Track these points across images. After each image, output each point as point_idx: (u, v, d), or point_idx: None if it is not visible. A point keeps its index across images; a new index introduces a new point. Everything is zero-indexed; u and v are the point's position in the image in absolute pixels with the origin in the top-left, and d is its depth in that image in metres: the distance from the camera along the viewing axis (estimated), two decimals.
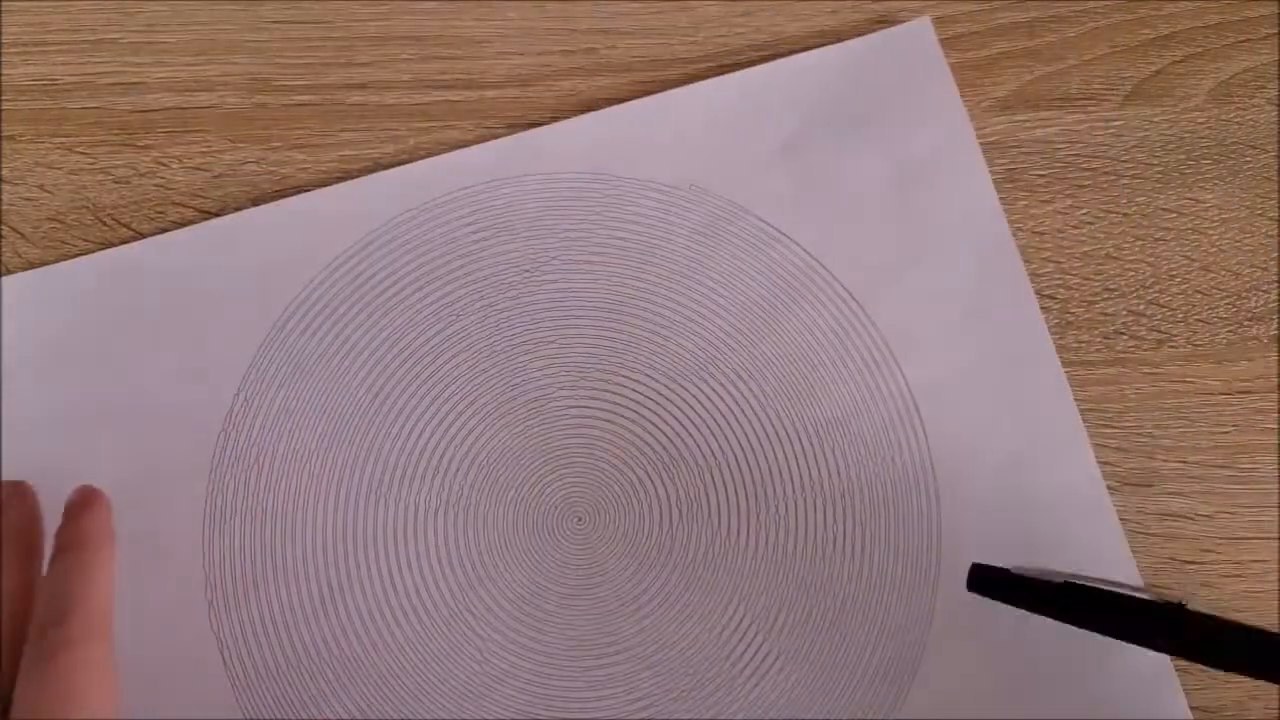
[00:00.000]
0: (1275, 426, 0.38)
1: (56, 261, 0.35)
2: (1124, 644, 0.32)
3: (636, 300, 0.36)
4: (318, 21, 0.38)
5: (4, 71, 0.36)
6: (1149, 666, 0.35)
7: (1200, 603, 0.35)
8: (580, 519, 0.35)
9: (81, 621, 0.28)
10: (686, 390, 0.36)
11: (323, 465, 0.35)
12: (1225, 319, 0.38)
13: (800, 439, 0.36)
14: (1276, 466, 0.37)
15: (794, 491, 0.36)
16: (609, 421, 0.36)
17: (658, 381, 0.36)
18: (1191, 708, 0.36)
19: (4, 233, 0.36)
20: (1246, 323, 0.38)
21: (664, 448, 0.36)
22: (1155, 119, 0.39)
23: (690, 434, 0.36)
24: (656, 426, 0.36)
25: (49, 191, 0.36)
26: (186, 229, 0.36)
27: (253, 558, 0.34)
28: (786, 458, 0.36)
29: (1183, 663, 0.35)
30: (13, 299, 0.35)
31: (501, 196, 0.37)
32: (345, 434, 0.35)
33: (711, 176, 0.37)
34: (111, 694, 0.28)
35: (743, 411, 0.36)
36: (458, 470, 0.35)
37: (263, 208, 0.36)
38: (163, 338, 0.35)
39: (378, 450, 0.35)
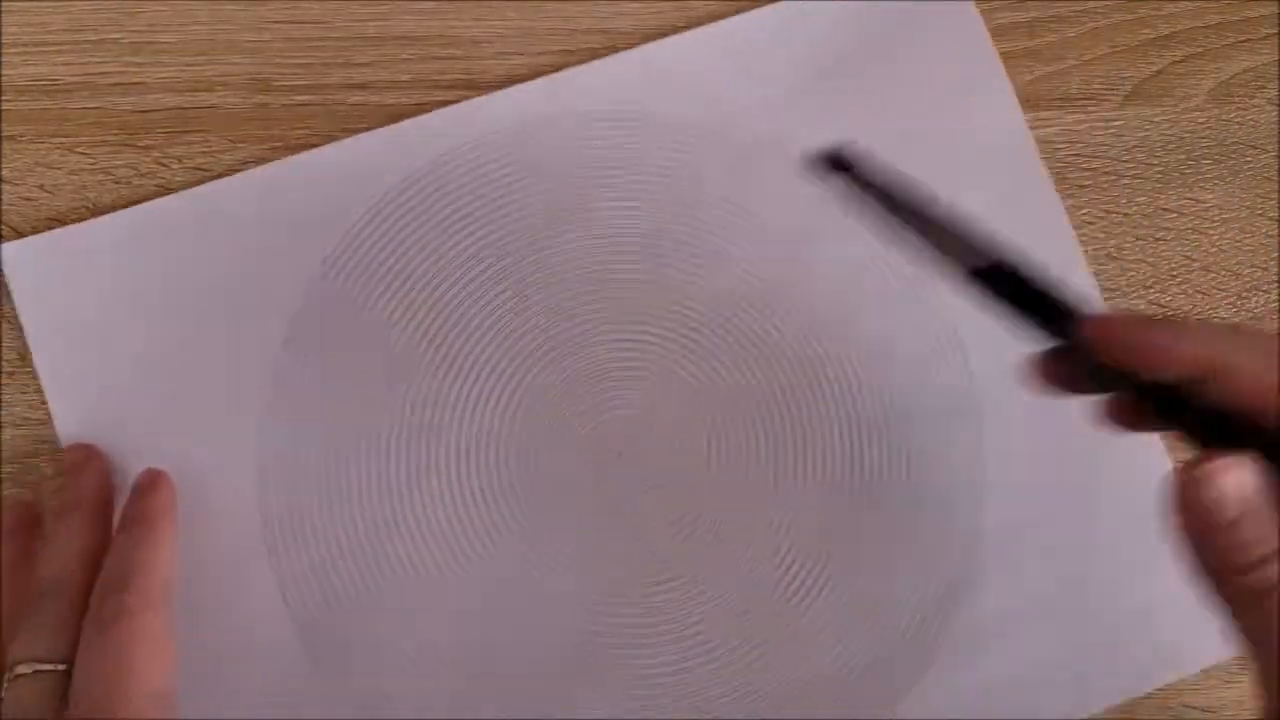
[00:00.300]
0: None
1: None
2: (1170, 560, 0.32)
3: (674, 234, 0.37)
4: (318, 21, 0.38)
5: (4, 71, 0.36)
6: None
7: None
8: (622, 453, 0.35)
9: (140, 592, 0.29)
10: (728, 321, 0.36)
11: (373, 405, 0.35)
12: (1225, 319, 0.38)
13: (842, 366, 0.36)
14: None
15: (838, 417, 0.36)
16: (651, 354, 0.36)
17: (698, 314, 0.36)
18: (1191, 707, 0.36)
19: (4, 233, 0.36)
20: (1246, 323, 0.38)
21: (707, 378, 0.36)
22: (1155, 119, 0.39)
23: (732, 363, 0.36)
24: (700, 358, 0.36)
25: (49, 191, 0.36)
26: (225, 179, 0.36)
27: (308, 500, 0.34)
28: (829, 385, 0.36)
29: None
30: (54, 253, 0.35)
31: (537, 137, 0.37)
32: (394, 374, 0.35)
33: (742, 110, 0.37)
34: (167, 663, 0.29)
35: (783, 339, 0.36)
36: (505, 406, 0.35)
37: (300, 156, 0.36)
38: (206, 287, 0.35)
39: (427, 388, 0.35)
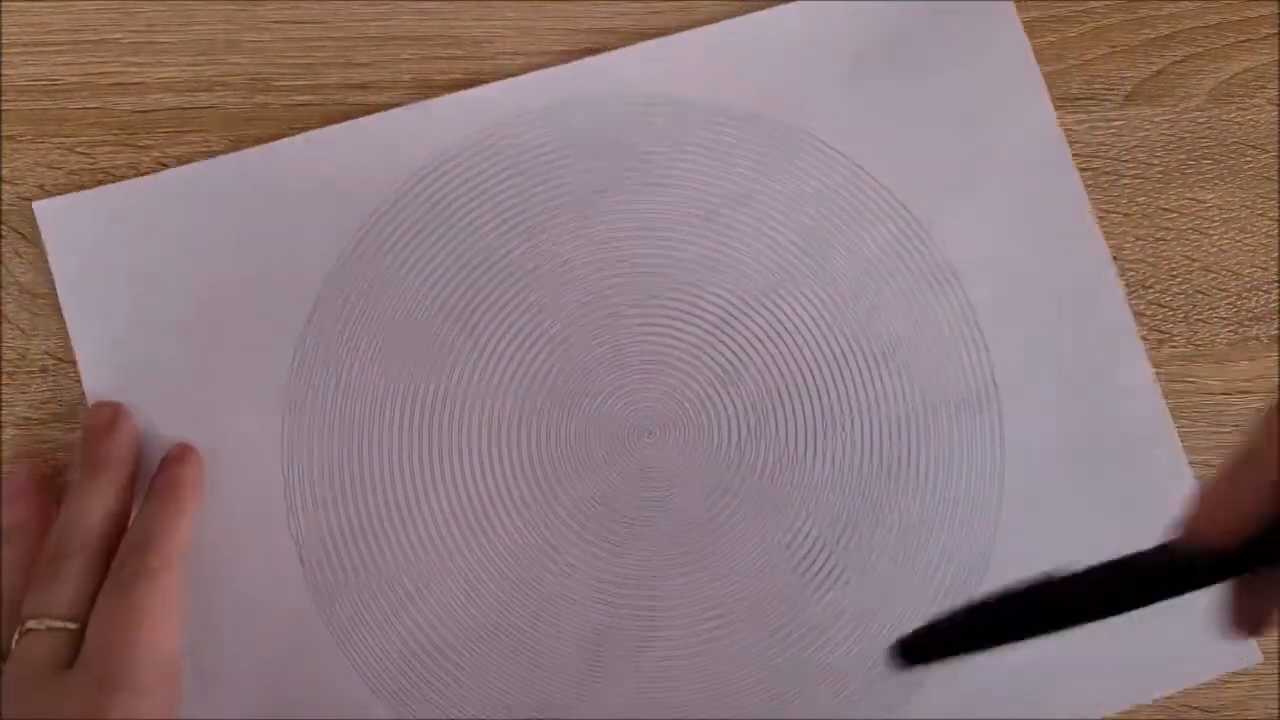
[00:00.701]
0: None
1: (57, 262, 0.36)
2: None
3: (704, 221, 0.37)
4: (318, 21, 0.38)
5: (4, 71, 0.36)
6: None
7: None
8: (651, 433, 0.36)
9: (160, 555, 0.30)
10: (754, 309, 0.37)
11: (399, 377, 0.35)
12: (1225, 319, 0.38)
13: (865, 357, 0.37)
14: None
15: (860, 409, 0.36)
16: (678, 339, 0.36)
17: (725, 300, 0.37)
18: (1192, 708, 0.36)
19: (4, 233, 0.36)
20: (1247, 323, 0.38)
21: (732, 365, 0.36)
22: (1156, 119, 0.39)
23: (758, 352, 0.36)
24: (725, 344, 0.36)
25: (49, 191, 0.36)
26: (263, 146, 0.36)
27: (331, 467, 0.35)
28: (852, 376, 0.37)
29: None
30: (86, 214, 0.35)
31: (572, 119, 0.37)
32: (421, 347, 0.35)
33: (777, 103, 0.38)
34: (178, 628, 0.30)
35: (809, 330, 0.37)
36: (531, 383, 0.36)
37: (336, 127, 0.36)
38: (240, 253, 0.35)
39: (453, 363, 0.36)
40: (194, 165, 0.36)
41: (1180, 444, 0.37)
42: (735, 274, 0.37)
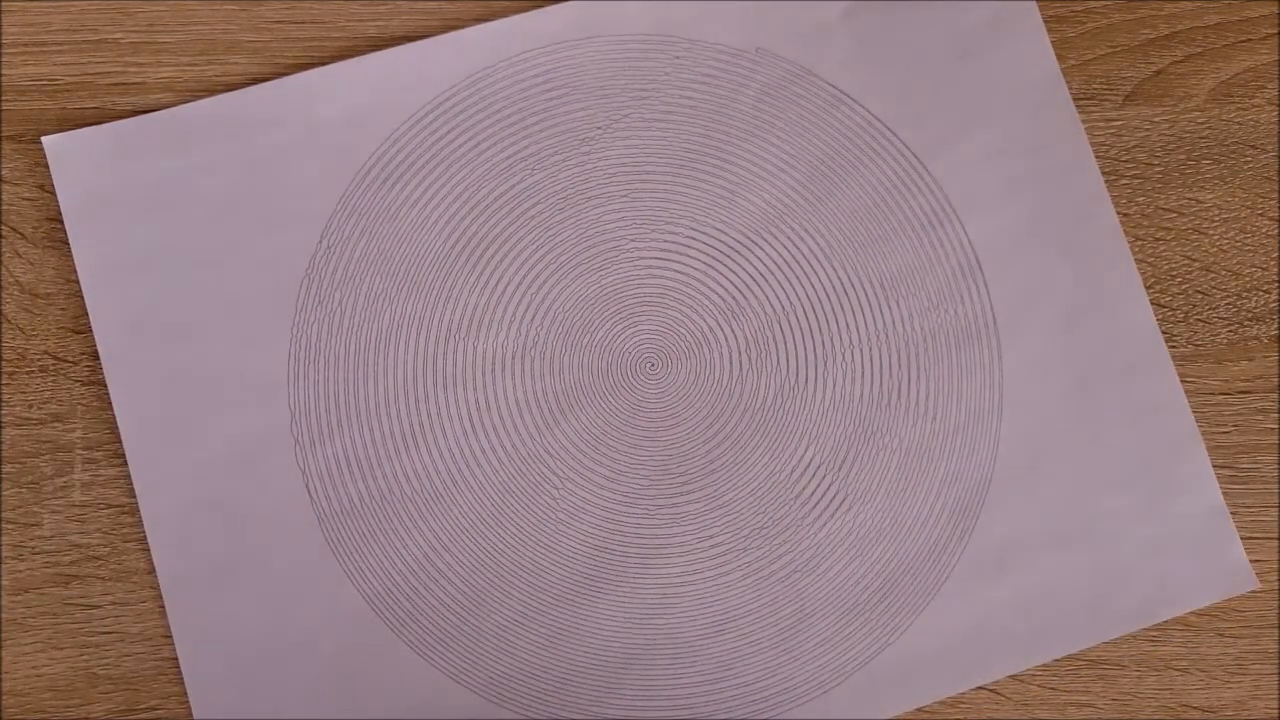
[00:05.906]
0: (1275, 426, 0.38)
1: (57, 261, 0.36)
2: (1181, 492, 0.35)
3: (706, 157, 0.38)
4: (318, 21, 0.38)
5: (4, 71, 0.36)
6: (1204, 513, 0.36)
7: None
8: (653, 364, 0.36)
9: None
10: (754, 243, 0.37)
11: (403, 310, 0.36)
12: (1225, 319, 0.38)
13: (865, 291, 0.37)
14: (1276, 466, 0.37)
15: (859, 341, 0.37)
16: (679, 273, 0.37)
17: (726, 235, 0.37)
18: (1192, 708, 0.36)
19: (4, 233, 0.36)
20: (1246, 323, 0.38)
21: (733, 298, 0.37)
22: (1155, 119, 0.39)
23: (759, 285, 0.37)
24: (725, 278, 0.37)
25: (49, 192, 0.36)
26: (270, 83, 0.37)
27: (336, 398, 0.35)
28: (852, 309, 0.37)
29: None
30: (99, 147, 0.36)
31: (574, 57, 0.38)
32: (425, 281, 0.36)
33: (777, 40, 0.38)
34: None
35: (809, 264, 0.37)
36: (534, 317, 0.36)
37: (343, 63, 0.37)
38: (247, 187, 0.36)
39: (456, 296, 0.36)
40: (200, 102, 0.36)
41: (1175, 370, 0.37)
42: (736, 208, 0.37)
